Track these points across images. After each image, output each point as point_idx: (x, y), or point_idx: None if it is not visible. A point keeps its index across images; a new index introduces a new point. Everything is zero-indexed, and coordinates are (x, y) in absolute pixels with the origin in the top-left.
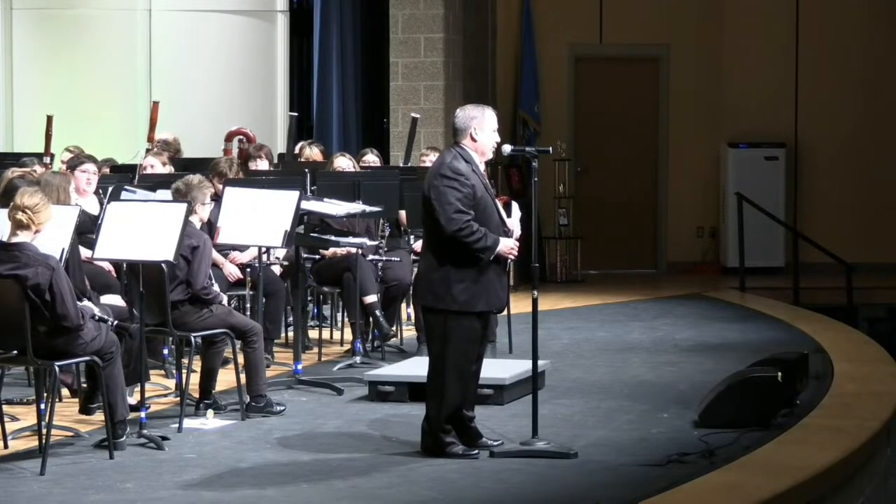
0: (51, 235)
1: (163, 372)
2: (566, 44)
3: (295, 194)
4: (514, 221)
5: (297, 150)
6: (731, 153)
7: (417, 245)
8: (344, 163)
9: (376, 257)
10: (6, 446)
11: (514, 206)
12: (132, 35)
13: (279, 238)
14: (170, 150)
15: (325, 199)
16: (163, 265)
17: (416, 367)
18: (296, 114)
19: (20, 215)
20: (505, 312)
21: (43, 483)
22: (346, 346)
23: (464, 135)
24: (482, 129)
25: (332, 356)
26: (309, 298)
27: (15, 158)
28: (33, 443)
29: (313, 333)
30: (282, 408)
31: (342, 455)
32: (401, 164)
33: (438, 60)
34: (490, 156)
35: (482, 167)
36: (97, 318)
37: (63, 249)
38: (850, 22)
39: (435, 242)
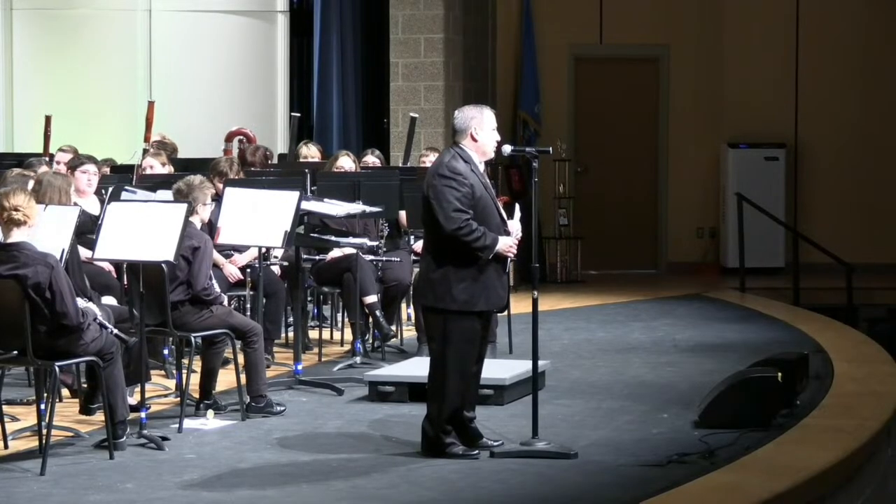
0: (51, 235)
1: (163, 372)
2: (566, 44)
3: (295, 194)
4: (514, 224)
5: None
6: (731, 153)
7: (417, 245)
8: (347, 162)
9: (376, 258)
10: (6, 446)
11: (516, 207)
12: (132, 35)
13: (279, 238)
14: (167, 150)
15: (325, 200)
16: (163, 265)
17: (416, 368)
18: (298, 114)
19: (14, 214)
20: (505, 313)
21: (43, 483)
22: (346, 347)
23: (464, 135)
24: (482, 129)
25: (332, 356)
26: (309, 298)
27: (15, 158)
28: (33, 443)
29: (313, 334)
30: (282, 408)
31: (342, 455)
32: (400, 165)
33: (438, 60)
34: (491, 155)
35: (482, 167)
36: (98, 322)
37: (63, 250)
38: (850, 22)
39: (434, 242)
